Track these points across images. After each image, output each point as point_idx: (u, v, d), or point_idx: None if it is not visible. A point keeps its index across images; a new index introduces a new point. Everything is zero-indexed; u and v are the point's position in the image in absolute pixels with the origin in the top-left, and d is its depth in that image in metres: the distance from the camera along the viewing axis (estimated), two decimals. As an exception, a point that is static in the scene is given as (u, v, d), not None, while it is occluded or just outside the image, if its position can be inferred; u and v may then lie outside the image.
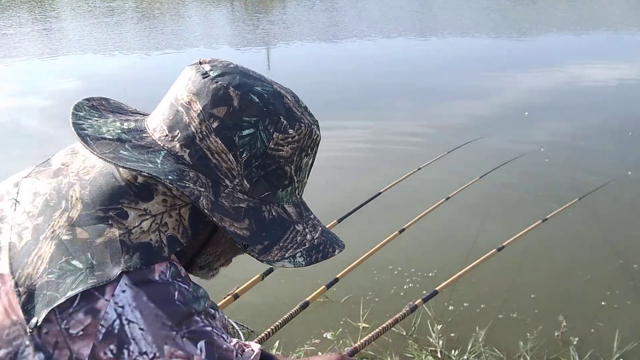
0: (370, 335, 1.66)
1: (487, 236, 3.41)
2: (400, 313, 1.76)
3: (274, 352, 2.53)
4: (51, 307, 0.65)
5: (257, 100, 0.76)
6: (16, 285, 0.68)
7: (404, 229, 2.55)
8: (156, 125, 0.79)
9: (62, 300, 0.65)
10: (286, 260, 0.77)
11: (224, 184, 0.76)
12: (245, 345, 1.00)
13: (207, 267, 0.85)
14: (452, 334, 2.68)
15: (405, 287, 3.06)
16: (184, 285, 0.70)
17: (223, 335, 0.72)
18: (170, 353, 0.65)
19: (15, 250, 0.71)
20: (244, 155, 0.75)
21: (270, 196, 0.79)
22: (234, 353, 0.72)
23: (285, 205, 0.81)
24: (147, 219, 0.71)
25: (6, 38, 12.38)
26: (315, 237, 0.82)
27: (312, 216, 0.86)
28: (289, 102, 0.79)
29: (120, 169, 0.74)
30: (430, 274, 3.13)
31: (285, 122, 0.77)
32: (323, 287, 2.03)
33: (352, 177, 4.55)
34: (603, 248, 3.46)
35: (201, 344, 0.68)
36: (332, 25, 13.92)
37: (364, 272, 2.86)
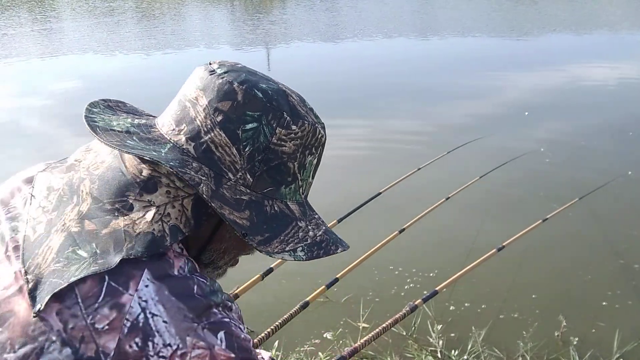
0: (370, 335, 1.66)
1: (487, 236, 3.41)
2: (400, 313, 1.76)
3: (273, 352, 2.53)
4: (53, 293, 0.67)
5: (261, 95, 0.78)
6: (25, 273, 0.70)
7: (404, 229, 2.55)
8: (165, 121, 0.82)
9: (65, 285, 0.67)
10: (286, 253, 0.78)
11: (227, 176, 0.77)
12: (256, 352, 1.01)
13: (211, 264, 0.86)
14: (452, 334, 2.68)
15: (405, 287, 3.06)
16: (202, 279, 0.73)
17: (240, 326, 0.74)
18: (193, 344, 0.68)
19: (28, 242, 0.74)
20: (247, 149, 0.77)
21: (273, 192, 0.80)
22: (251, 343, 0.75)
23: (288, 203, 0.82)
24: (151, 210, 0.73)
25: (6, 38, 12.39)
26: (318, 235, 0.83)
27: (316, 216, 0.86)
28: (294, 101, 0.81)
29: (127, 164, 0.76)
30: (430, 274, 3.13)
31: (288, 118, 0.78)
32: (323, 287, 2.03)
33: (352, 177, 4.55)
34: (603, 248, 3.46)
35: (221, 334, 0.70)
36: (333, 25, 13.92)
37: (364, 272, 2.86)
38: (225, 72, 0.79)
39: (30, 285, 0.69)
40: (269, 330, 1.71)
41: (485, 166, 3.63)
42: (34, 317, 0.68)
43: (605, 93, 7.04)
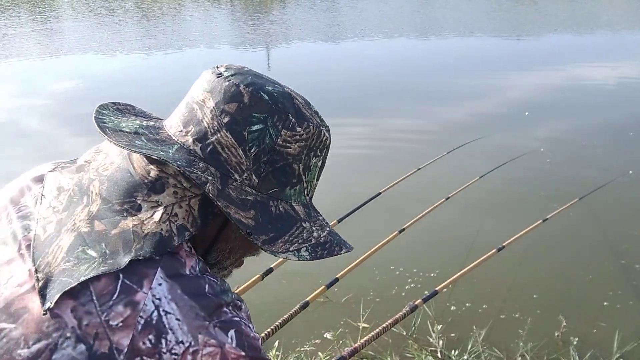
0: (370, 335, 1.66)
1: (487, 236, 3.41)
2: (401, 313, 1.76)
3: (274, 352, 2.53)
4: (63, 291, 0.68)
5: (266, 98, 0.79)
6: (36, 272, 0.72)
7: (404, 229, 2.55)
8: (172, 123, 0.83)
9: (75, 284, 0.68)
10: (291, 253, 0.79)
11: (233, 177, 0.78)
12: None
13: (217, 265, 0.87)
14: (452, 334, 2.68)
15: (405, 287, 3.06)
16: (213, 279, 0.74)
17: (249, 325, 0.76)
18: (204, 342, 0.69)
19: (39, 241, 0.75)
20: (252, 150, 0.78)
21: (278, 193, 0.82)
22: (260, 341, 0.76)
23: (293, 204, 0.83)
24: (159, 210, 0.75)
25: (7, 38, 12.39)
26: (322, 235, 0.84)
27: (320, 217, 0.87)
28: (299, 104, 0.82)
29: (135, 165, 0.78)
30: (430, 274, 3.13)
31: (293, 120, 0.80)
32: (323, 287, 2.03)
33: (352, 177, 4.55)
34: (604, 248, 3.46)
35: (231, 332, 0.72)
36: (333, 25, 13.93)
37: (364, 272, 2.86)
38: (232, 75, 0.81)
39: (40, 284, 0.70)
40: (269, 330, 1.71)
41: (485, 166, 3.63)
42: (44, 314, 0.69)
43: (606, 93, 7.04)
